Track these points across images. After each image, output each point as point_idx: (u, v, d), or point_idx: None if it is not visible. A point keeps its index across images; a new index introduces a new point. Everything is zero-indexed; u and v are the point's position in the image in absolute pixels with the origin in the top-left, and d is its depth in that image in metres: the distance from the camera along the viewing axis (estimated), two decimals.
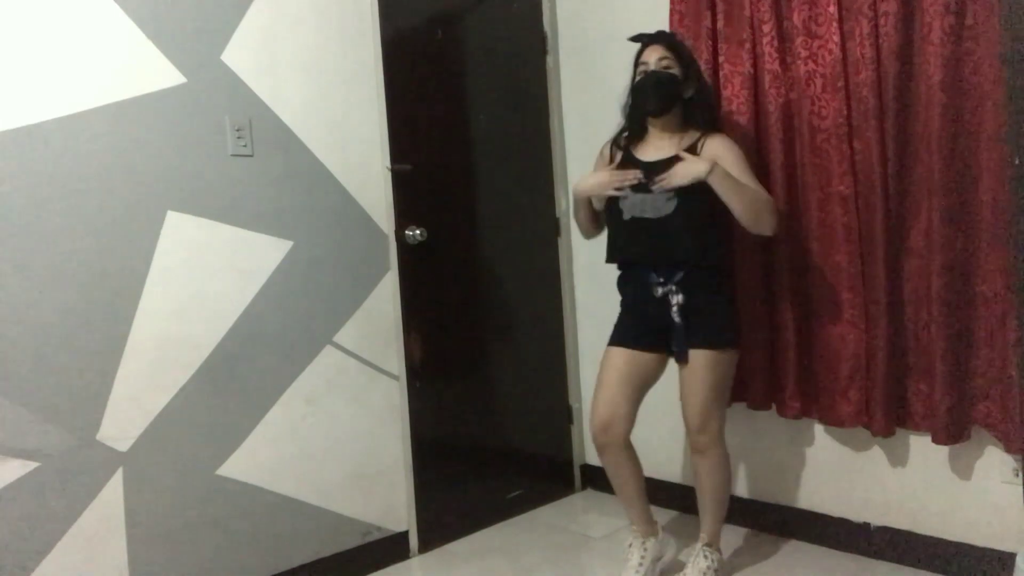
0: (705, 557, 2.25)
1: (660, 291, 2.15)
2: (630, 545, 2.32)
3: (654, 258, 2.16)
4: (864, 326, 2.25)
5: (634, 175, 2.12)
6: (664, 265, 2.15)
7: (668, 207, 2.10)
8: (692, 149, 2.16)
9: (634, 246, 2.19)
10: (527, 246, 3.06)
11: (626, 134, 2.29)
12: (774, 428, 2.57)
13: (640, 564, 2.27)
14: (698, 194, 2.07)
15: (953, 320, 2.08)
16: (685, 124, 2.22)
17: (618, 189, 2.15)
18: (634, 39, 2.24)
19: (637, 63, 2.22)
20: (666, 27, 2.58)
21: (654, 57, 2.17)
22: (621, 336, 2.25)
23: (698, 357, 2.15)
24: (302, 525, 2.39)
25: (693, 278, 2.15)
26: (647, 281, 2.18)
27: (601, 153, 2.38)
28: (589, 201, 2.29)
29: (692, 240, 2.12)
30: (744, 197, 2.05)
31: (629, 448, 2.25)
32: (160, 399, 2.13)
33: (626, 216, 2.17)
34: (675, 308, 2.14)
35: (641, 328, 2.22)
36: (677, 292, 2.14)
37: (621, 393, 2.20)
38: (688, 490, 2.79)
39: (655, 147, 2.22)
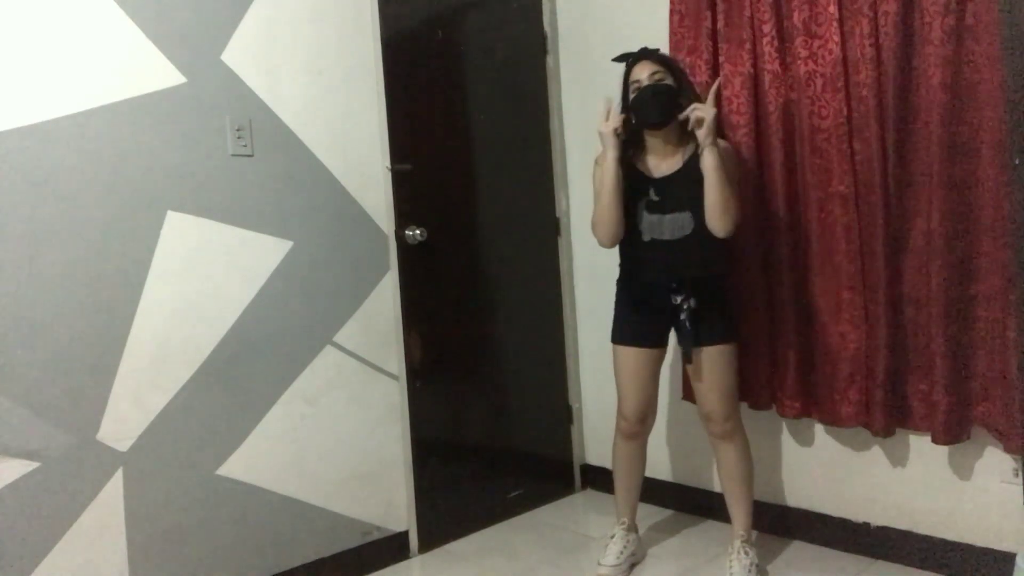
0: (746, 554, 2.27)
1: (678, 299, 2.19)
2: (612, 537, 2.44)
3: (673, 276, 2.19)
4: (864, 326, 2.25)
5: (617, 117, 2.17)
6: (679, 280, 2.20)
7: (686, 228, 2.17)
8: (694, 156, 2.16)
9: (654, 267, 2.23)
10: (527, 246, 3.06)
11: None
12: (774, 428, 2.57)
13: (621, 553, 2.39)
14: None
15: (953, 320, 2.08)
16: (683, 136, 2.21)
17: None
18: (618, 59, 2.24)
19: (627, 82, 2.21)
20: (666, 27, 2.59)
21: (646, 72, 2.16)
22: (630, 335, 2.32)
23: (712, 352, 2.23)
24: (302, 525, 2.40)
25: (704, 283, 2.22)
26: (662, 292, 2.22)
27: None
28: (619, 171, 2.16)
29: (708, 256, 2.20)
30: (724, 190, 2.09)
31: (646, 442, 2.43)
32: (160, 399, 2.13)
33: (646, 238, 2.20)
34: (685, 313, 2.20)
35: (648, 327, 2.31)
36: (689, 298, 2.19)
37: (652, 385, 2.34)
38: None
39: (661, 161, 2.22)
